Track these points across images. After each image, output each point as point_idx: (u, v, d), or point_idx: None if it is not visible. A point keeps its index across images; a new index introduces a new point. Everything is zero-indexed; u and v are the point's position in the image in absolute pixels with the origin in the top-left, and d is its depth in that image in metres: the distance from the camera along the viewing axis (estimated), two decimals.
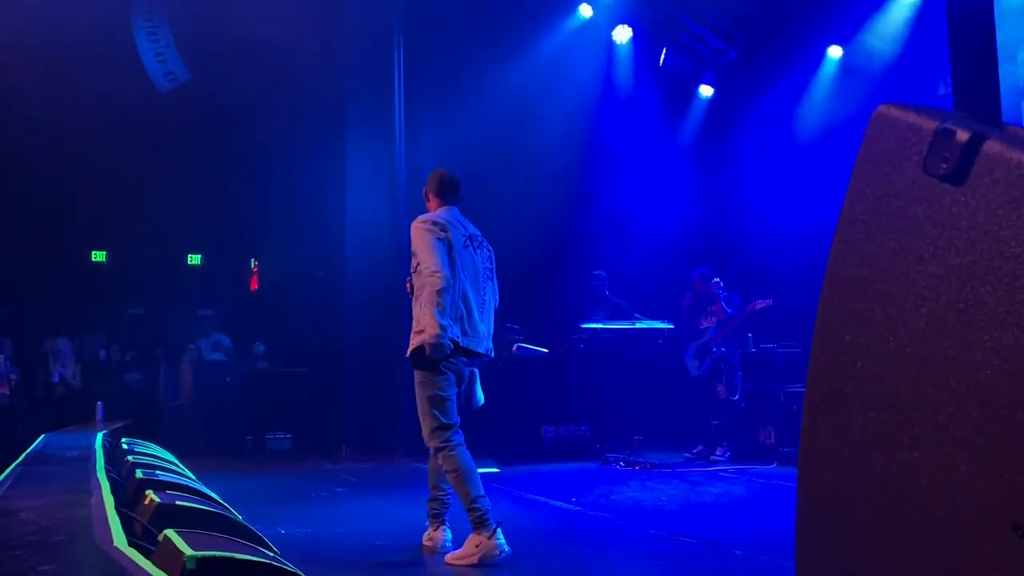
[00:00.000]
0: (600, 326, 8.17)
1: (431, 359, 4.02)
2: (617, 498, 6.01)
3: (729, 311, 8.00)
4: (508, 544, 4.00)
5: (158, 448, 5.73)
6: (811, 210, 8.99)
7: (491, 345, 4.28)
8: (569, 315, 8.69)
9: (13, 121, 9.14)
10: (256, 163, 10.53)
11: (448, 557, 4.12)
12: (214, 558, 2.11)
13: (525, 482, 6.68)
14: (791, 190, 9.42)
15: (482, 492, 4.04)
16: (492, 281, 4.34)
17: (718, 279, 8.15)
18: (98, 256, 11.28)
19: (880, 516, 0.99)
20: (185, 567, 2.04)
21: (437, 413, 4.08)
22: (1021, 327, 0.91)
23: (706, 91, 10.35)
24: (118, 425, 7.04)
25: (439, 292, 3.97)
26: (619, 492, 6.27)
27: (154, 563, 2.09)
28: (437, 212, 4.26)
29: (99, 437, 5.65)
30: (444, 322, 3.96)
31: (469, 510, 4.01)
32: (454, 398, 4.13)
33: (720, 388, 7.95)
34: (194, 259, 11.74)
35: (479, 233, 4.34)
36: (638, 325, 8.08)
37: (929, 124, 1.01)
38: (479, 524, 3.98)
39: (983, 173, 0.94)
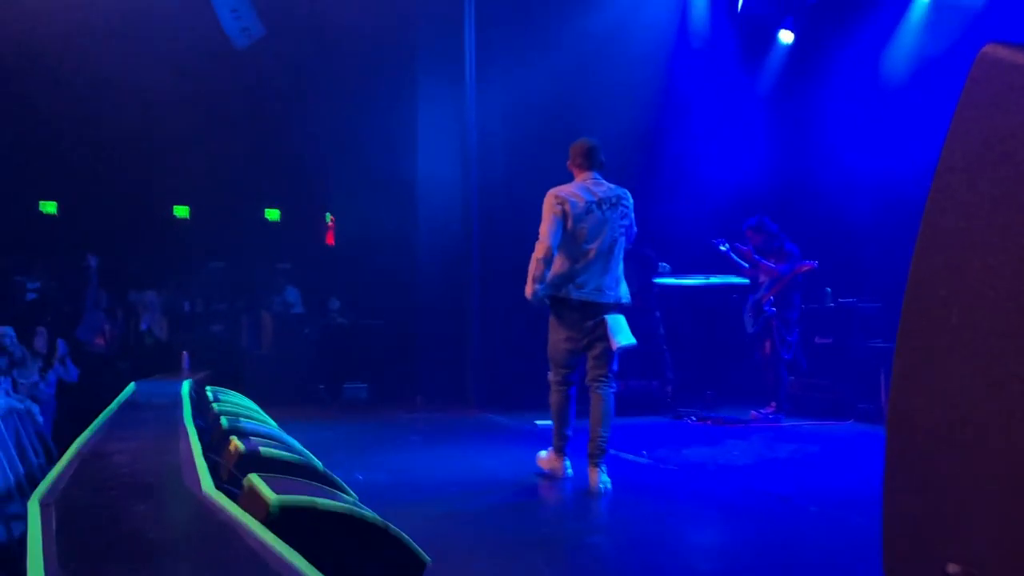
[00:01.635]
0: (673, 281, 8.06)
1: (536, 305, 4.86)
2: (688, 453, 5.99)
3: (780, 267, 7.68)
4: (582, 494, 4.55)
5: (241, 396, 5.92)
6: (897, 160, 8.65)
7: (617, 293, 4.79)
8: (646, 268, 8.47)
9: (96, 80, 9.39)
10: (330, 118, 10.62)
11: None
12: (297, 505, 2.18)
13: None
14: (876, 139, 9.06)
15: (566, 432, 4.92)
16: (624, 233, 4.85)
17: (755, 225, 7.77)
18: (180, 211, 11.61)
19: (975, 473, 0.95)
20: (269, 512, 2.11)
21: (552, 354, 4.91)
22: None
23: (786, 36, 9.97)
24: (203, 374, 7.31)
25: (537, 260, 4.72)
26: (691, 447, 6.24)
27: (241, 507, 2.18)
28: (569, 184, 4.84)
29: (185, 385, 5.88)
30: (536, 286, 4.74)
31: (554, 436, 4.96)
32: (571, 342, 4.79)
33: (767, 344, 7.71)
34: (272, 214, 11.97)
35: (614, 193, 4.83)
36: (712, 280, 7.94)
37: None
38: (556, 449, 4.96)
39: None
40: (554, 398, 4.92)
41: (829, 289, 8.37)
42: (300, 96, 10.64)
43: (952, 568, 0.99)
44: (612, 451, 4.91)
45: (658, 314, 8.22)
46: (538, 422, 7.24)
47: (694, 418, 7.65)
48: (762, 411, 7.71)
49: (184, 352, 8.24)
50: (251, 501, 2.23)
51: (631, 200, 4.89)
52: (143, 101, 9.73)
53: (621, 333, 4.71)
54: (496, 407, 8.58)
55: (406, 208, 10.29)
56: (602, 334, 4.70)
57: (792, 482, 4.93)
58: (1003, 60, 0.95)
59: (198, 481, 2.54)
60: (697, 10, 9.92)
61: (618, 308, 4.79)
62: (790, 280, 7.69)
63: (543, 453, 5.10)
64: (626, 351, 4.81)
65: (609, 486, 4.61)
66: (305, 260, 11.48)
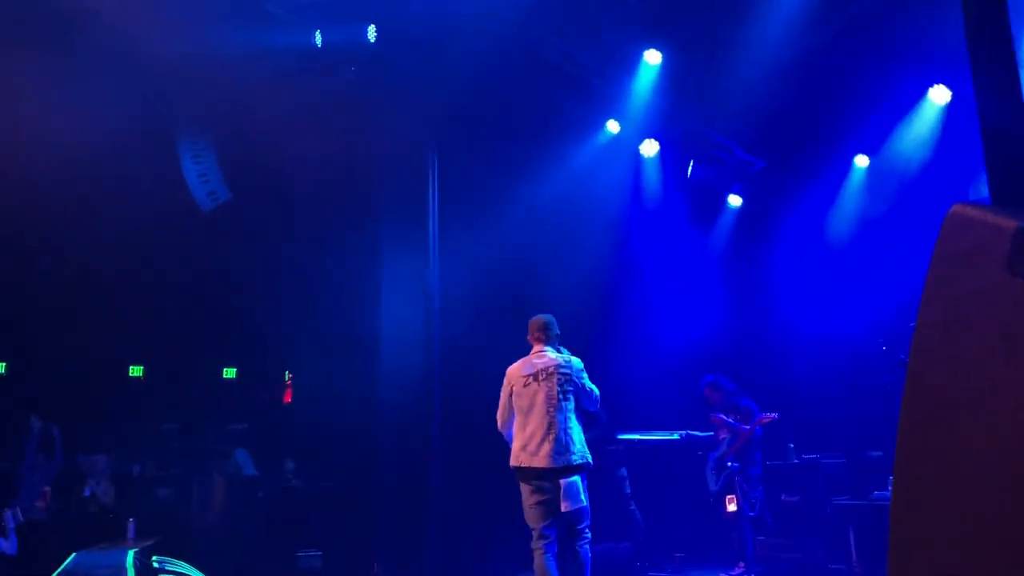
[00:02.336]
0: (638, 437, 8.00)
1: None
2: None
3: (738, 423, 7.69)
4: None
5: (188, 566, 5.62)
6: (844, 318, 8.90)
7: (568, 458, 5.14)
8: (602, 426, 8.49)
9: (53, 239, 9.37)
10: (291, 278, 10.68)
11: None
12: None
13: None
14: (824, 297, 9.36)
15: None
16: (568, 399, 5.27)
17: (713, 383, 7.89)
18: (135, 371, 11.38)
19: None
20: None
21: (527, 519, 5.24)
22: None
23: (735, 201, 10.44)
24: (149, 543, 6.93)
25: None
26: None
27: None
28: (519, 360, 5.44)
29: (130, 555, 5.55)
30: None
31: None
32: (535, 507, 5.17)
33: (728, 501, 7.59)
34: (229, 373, 11.80)
35: (555, 362, 5.35)
36: (677, 436, 7.89)
37: (1009, 223, 0.98)
38: None
39: None
40: (536, 562, 5.16)
41: (792, 445, 8.36)
42: (261, 256, 10.71)
43: None
44: None
45: (624, 472, 8.10)
46: None
47: None
48: (731, 572, 7.49)
49: (130, 519, 7.84)
50: None
51: (577, 365, 5.41)
52: (100, 258, 9.70)
53: (571, 497, 5.11)
54: (458, 573, 8.22)
55: (367, 367, 10.20)
56: (554, 498, 5.14)
57: None
58: (972, 219, 1.00)
59: None
60: (649, 175, 10.38)
61: (576, 469, 5.16)
62: (751, 436, 7.67)
63: None
64: (589, 511, 5.21)
65: None
66: (261, 420, 11.21)
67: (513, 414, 5.33)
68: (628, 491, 8.12)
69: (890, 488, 1.21)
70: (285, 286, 10.67)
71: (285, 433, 11.09)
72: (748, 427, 7.63)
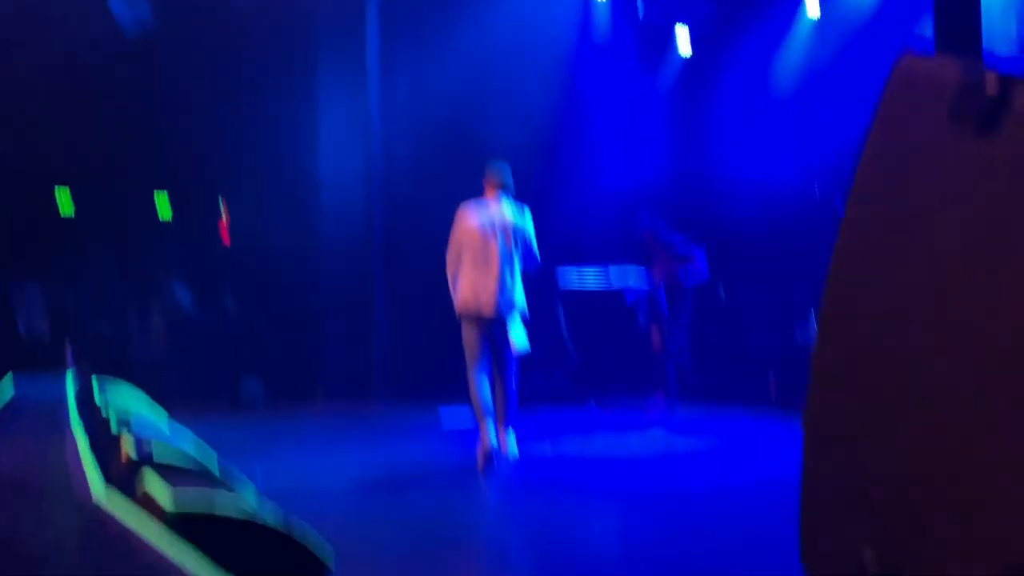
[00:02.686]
0: (576, 272, 8.18)
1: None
2: (591, 446, 6.10)
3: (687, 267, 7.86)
4: (489, 490, 5.02)
5: (132, 392, 5.64)
6: (787, 162, 9.01)
7: (511, 301, 5.52)
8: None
9: None
10: (225, 109, 10.25)
11: None
12: (194, 510, 2.09)
13: None
14: (766, 142, 9.39)
15: (486, 411, 5.43)
16: (515, 251, 5.58)
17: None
18: (65, 205, 10.99)
19: (893, 461, 0.98)
20: (165, 518, 2.01)
21: (466, 350, 5.57)
22: None
23: (683, 41, 10.20)
24: (88, 370, 6.92)
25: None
26: (592, 439, 6.36)
27: (134, 513, 2.07)
28: (472, 200, 5.63)
29: (69, 382, 5.54)
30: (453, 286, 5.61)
31: (478, 418, 5.48)
32: (473, 341, 5.54)
33: (654, 336, 7.87)
34: (164, 210, 11.45)
35: (511, 219, 5.58)
36: (611, 270, 8.08)
37: (954, 73, 0.97)
38: (484, 429, 5.41)
39: (1017, 122, 0.90)
40: (472, 389, 5.52)
41: (720, 285, 8.62)
42: (194, 85, 10.21)
43: (867, 554, 1.03)
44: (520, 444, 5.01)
45: (560, 309, 8.34)
46: (440, 407, 7.34)
47: (594, 405, 7.79)
48: (650, 400, 7.86)
49: (68, 348, 7.82)
50: (145, 507, 2.12)
51: (529, 227, 5.68)
52: (30, 87, 9.20)
53: (519, 340, 5.57)
54: (401, 400, 8.55)
55: (307, 202, 10.07)
56: (503, 339, 5.54)
57: (696, 476, 5.08)
58: (919, 69, 0.99)
59: (87, 487, 2.40)
60: (599, 11, 10.06)
61: (514, 314, 5.55)
62: (685, 285, 7.84)
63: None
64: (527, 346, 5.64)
65: (517, 455, 5.45)
66: (200, 255, 11.07)
67: (462, 258, 5.56)
68: (563, 320, 8.40)
69: (814, 330, 1.25)
70: (218, 118, 10.25)
71: (224, 267, 10.99)
72: (694, 265, 7.78)
